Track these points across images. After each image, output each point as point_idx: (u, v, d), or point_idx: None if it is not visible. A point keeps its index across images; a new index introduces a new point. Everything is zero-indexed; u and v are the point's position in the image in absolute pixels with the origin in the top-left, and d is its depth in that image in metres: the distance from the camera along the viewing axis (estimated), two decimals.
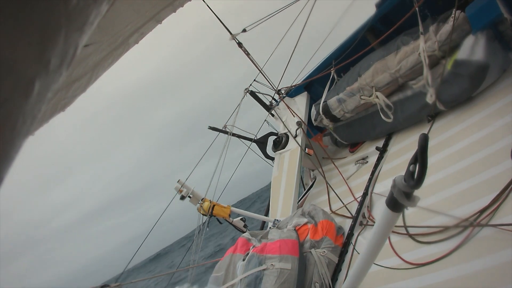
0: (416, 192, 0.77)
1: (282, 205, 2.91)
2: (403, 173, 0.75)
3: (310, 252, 1.94)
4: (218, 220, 2.80)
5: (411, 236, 1.69)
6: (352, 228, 2.11)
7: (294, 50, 3.26)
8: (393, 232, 1.79)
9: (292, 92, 3.68)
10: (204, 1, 2.98)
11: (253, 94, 3.68)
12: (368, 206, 2.20)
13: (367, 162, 2.78)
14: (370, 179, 2.42)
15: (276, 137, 3.63)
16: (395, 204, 0.80)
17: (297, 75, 3.61)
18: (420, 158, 0.70)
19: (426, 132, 2.30)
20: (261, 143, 3.76)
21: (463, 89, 2.11)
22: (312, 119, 3.26)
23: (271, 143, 3.69)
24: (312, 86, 3.61)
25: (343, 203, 2.42)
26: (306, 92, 3.61)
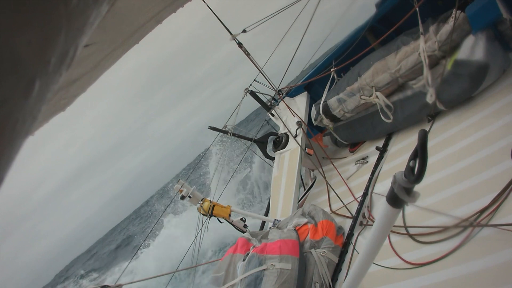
0: (417, 189, 0.78)
1: (282, 205, 2.91)
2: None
3: (310, 252, 1.94)
4: (218, 219, 2.80)
5: (411, 236, 1.69)
6: (352, 228, 2.11)
7: (295, 51, 3.26)
8: (393, 232, 1.79)
9: (292, 92, 3.69)
10: (204, 1, 2.98)
11: (253, 94, 3.68)
12: (368, 206, 2.20)
13: (367, 162, 2.78)
14: (370, 179, 2.41)
15: (276, 137, 3.63)
16: (396, 200, 0.81)
17: (297, 75, 3.62)
18: (420, 153, 0.71)
19: None
20: (261, 143, 3.76)
21: (463, 89, 2.11)
22: (312, 119, 3.26)
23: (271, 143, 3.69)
24: (312, 86, 3.62)
25: (343, 203, 2.42)
26: (306, 92, 3.61)
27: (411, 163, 0.74)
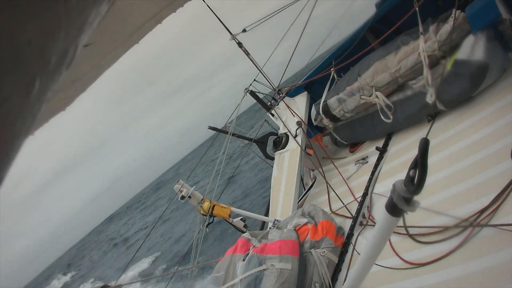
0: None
1: (282, 205, 2.91)
2: (403, 173, 0.75)
3: (310, 252, 1.94)
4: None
5: (411, 236, 1.69)
6: (352, 228, 2.11)
7: (294, 50, 3.26)
8: (393, 232, 1.79)
9: (292, 92, 3.69)
10: (204, 1, 2.98)
11: (253, 94, 3.68)
12: (368, 206, 2.20)
13: (367, 162, 2.78)
14: (370, 179, 2.41)
15: (276, 137, 3.63)
16: (395, 209, 0.80)
17: (297, 74, 3.62)
18: (420, 163, 0.70)
19: (426, 132, 2.31)
20: (261, 143, 3.75)
21: (463, 89, 2.11)
22: (312, 119, 3.26)
23: (271, 143, 3.69)
24: (312, 86, 3.61)
25: (343, 203, 2.42)
26: (306, 92, 3.61)
27: (411, 173, 0.72)
